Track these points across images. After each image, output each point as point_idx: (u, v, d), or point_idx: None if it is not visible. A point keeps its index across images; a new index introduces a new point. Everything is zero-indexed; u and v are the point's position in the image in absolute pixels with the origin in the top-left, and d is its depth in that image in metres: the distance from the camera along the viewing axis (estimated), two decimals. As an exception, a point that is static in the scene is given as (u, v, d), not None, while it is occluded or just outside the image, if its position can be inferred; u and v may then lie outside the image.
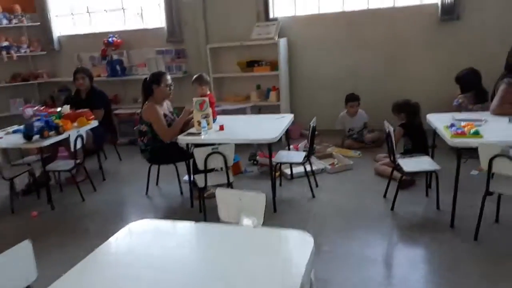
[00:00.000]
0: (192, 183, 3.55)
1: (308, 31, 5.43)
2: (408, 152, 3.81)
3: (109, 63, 6.22)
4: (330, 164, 4.30)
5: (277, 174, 4.02)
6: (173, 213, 3.58)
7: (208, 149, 3.01)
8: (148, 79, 3.71)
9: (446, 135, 2.80)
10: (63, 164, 4.06)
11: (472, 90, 4.30)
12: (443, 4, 4.75)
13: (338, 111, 5.34)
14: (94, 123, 4.25)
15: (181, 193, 3.96)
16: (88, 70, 5.00)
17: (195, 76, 3.92)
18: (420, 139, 3.86)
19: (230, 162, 3.07)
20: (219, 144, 3.09)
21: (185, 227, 1.86)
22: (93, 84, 4.94)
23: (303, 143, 4.73)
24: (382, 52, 5.20)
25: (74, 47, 6.62)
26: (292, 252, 1.56)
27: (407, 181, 3.49)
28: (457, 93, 4.50)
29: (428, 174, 3.46)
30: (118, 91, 6.54)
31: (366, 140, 4.75)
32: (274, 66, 5.32)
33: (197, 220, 3.19)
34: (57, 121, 3.83)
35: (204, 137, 3.32)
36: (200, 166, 3.06)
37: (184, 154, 3.65)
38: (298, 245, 1.58)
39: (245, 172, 4.35)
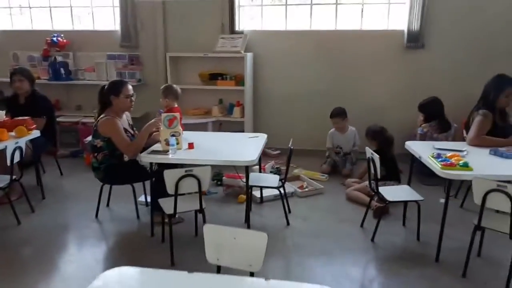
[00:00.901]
0: (152, 206, 3.16)
1: (274, 47, 5.25)
2: (382, 179, 3.70)
3: (51, 65, 5.55)
4: (299, 187, 4.10)
5: (245, 197, 3.72)
6: (130, 243, 3.11)
7: (181, 172, 2.64)
8: (106, 88, 3.26)
9: (435, 166, 2.68)
10: (-6, 180, 3.41)
11: (436, 119, 4.35)
12: (409, 32, 4.81)
13: (303, 129, 5.29)
14: (36, 133, 3.66)
15: (138, 217, 3.51)
16: (28, 71, 4.36)
17: (163, 86, 3.56)
18: (392, 167, 3.78)
19: (205, 186, 2.73)
20: (186, 165, 2.73)
21: (175, 278, 1.48)
22: (34, 88, 4.31)
23: (270, 164, 4.50)
24: (348, 73, 5.15)
25: (10, 45, 5.84)
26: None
27: (382, 209, 3.37)
28: (419, 119, 4.54)
29: (406, 203, 3.34)
30: (61, 96, 5.87)
31: (343, 173, 4.54)
32: (239, 80, 5.08)
33: (160, 252, 2.86)
34: (-10, 129, 3.22)
35: (172, 157, 2.95)
36: (170, 190, 2.67)
37: (144, 174, 3.27)
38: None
39: (208, 194, 3.99)
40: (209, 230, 1.83)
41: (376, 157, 2.94)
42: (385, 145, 3.85)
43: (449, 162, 2.67)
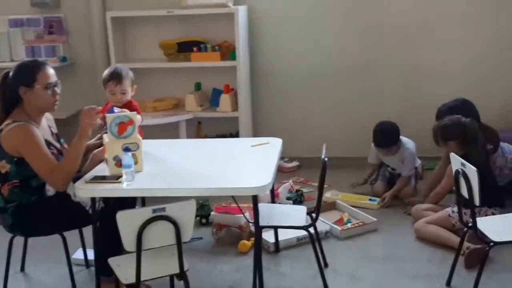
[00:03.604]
0: (98, 269, 3.02)
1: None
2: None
3: None
4: (336, 222, 3.98)
5: (250, 243, 3.67)
6: None
7: (146, 213, 2.46)
8: (10, 76, 3.11)
9: None
10: None
11: None
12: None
13: (330, 126, 5.24)
14: None
15: (73, 287, 3.28)
16: None
17: (108, 72, 3.39)
18: (489, 180, 3.57)
19: (188, 234, 2.59)
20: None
21: None
22: None
23: (286, 186, 4.37)
24: (396, 39, 5.08)
25: None
26: None
27: (480, 253, 3.17)
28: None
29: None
30: None
31: (403, 194, 4.40)
32: (226, 51, 5.00)
33: None
34: None
35: (128, 186, 2.79)
36: (129, 245, 2.48)
37: (81, 216, 3.14)
38: None
39: (188, 241, 3.80)
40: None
41: (472, 170, 2.78)
42: (470, 140, 3.66)
43: None
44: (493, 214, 3.45)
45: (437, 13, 4.98)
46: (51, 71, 3.13)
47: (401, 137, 4.45)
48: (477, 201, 2.79)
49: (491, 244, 2.81)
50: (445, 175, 3.86)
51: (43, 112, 3.16)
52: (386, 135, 4.39)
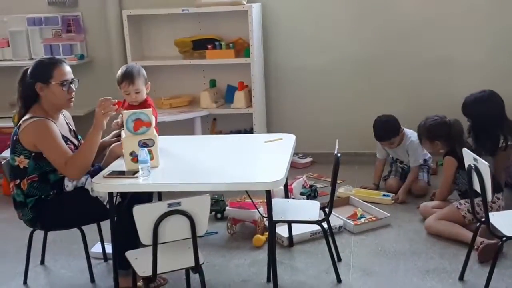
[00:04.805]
0: (116, 262, 3.05)
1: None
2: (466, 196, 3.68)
3: None
4: (350, 217, 3.99)
5: (264, 237, 3.70)
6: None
7: (162, 207, 2.49)
8: (28, 72, 3.16)
9: None
10: None
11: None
12: None
13: (343, 122, 5.26)
14: None
15: (92, 280, 3.38)
16: None
17: (120, 73, 3.39)
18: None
19: (203, 228, 2.59)
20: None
21: None
22: None
23: (300, 181, 4.39)
24: (412, 33, 5.07)
25: None
26: None
27: (492, 248, 3.19)
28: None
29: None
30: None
31: (415, 189, 4.44)
32: (241, 49, 5.02)
33: None
34: None
35: (144, 181, 2.82)
36: (145, 238, 2.51)
37: (98, 211, 3.15)
38: None
39: (204, 235, 3.83)
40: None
41: (485, 165, 2.77)
42: (456, 139, 3.79)
43: None
44: (497, 199, 3.55)
45: (450, 8, 4.97)
46: (67, 69, 3.18)
47: (404, 129, 4.48)
48: (489, 196, 2.79)
49: (504, 238, 2.81)
50: (443, 169, 3.98)
51: (59, 108, 3.22)
52: (385, 128, 4.42)
